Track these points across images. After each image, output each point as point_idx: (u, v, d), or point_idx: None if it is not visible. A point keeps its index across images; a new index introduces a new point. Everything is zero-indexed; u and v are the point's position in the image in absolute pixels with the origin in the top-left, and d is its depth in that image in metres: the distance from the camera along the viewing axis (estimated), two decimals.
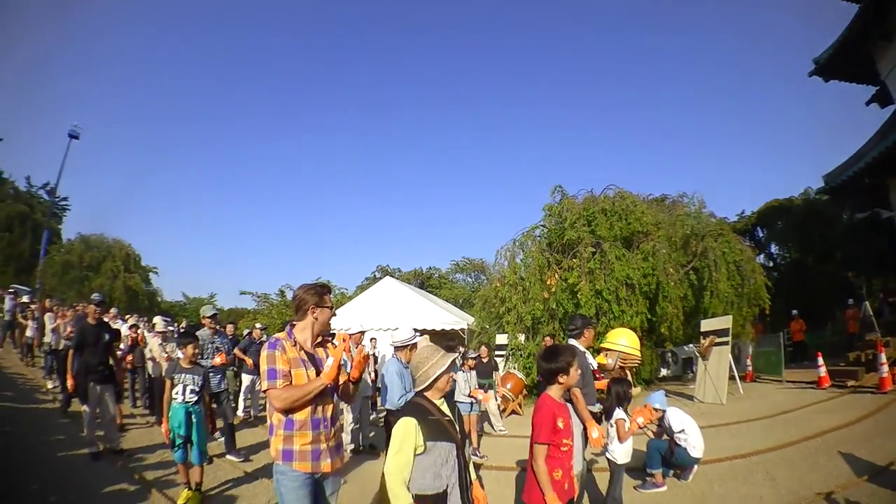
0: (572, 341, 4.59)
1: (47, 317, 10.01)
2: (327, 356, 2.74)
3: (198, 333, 6.02)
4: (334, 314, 2.89)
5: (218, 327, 6.80)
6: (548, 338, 10.24)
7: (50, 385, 9.44)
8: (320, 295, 2.80)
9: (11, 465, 5.21)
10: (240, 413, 8.83)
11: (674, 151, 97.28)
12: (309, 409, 2.60)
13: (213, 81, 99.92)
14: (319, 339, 2.85)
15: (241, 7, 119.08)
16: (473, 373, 7.45)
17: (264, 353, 2.65)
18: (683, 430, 5.31)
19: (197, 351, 4.98)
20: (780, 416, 7.88)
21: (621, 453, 4.21)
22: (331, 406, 2.75)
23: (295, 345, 2.69)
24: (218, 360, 6.09)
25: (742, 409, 8.54)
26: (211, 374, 5.72)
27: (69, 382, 5.71)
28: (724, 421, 7.74)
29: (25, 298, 15.12)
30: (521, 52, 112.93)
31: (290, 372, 2.59)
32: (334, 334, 5.91)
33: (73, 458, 5.70)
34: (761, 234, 23.78)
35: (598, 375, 4.67)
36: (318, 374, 2.64)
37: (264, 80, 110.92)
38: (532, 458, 2.81)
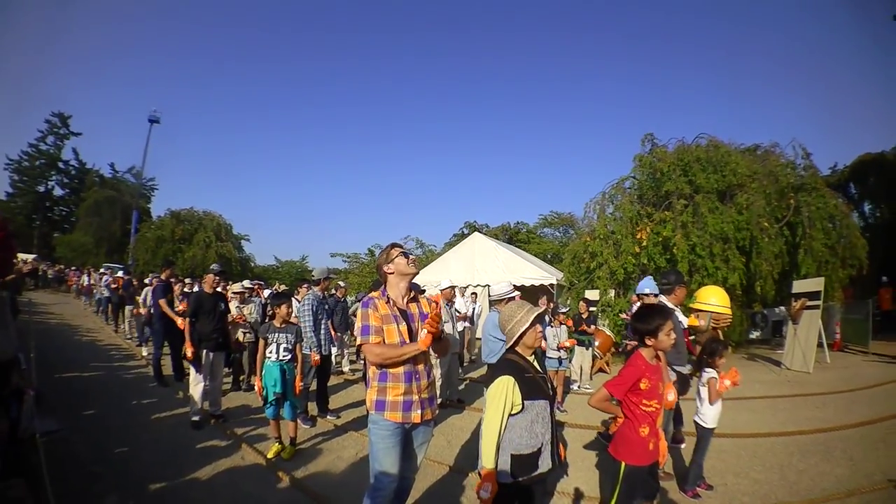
0: (662, 297, 4.40)
1: (144, 291, 10.15)
2: (420, 312, 2.93)
3: (311, 294, 6.09)
4: (411, 263, 2.96)
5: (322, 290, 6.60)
6: (635, 296, 9.83)
7: (144, 353, 9.80)
8: (386, 252, 2.97)
9: (105, 429, 5.38)
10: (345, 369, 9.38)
11: (762, 99, 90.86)
12: (403, 363, 2.74)
13: (294, 52, 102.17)
14: (412, 293, 3.00)
15: None
16: (564, 328, 7.36)
17: (359, 310, 2.86)
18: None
19: (290, 310, 5.04)
20: (865, 390, 7.61)
21: (711, 417, 4.05)
22: (423, 360, 2.86)
23: (388, 302, 2.86)
24: (315, 357, 5.91)
25: (828, 380, 8.28)
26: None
27: (189, 351, 5.69)
28: (809, 391, 7.59)
29: (120, 274, 16.13)
30: None
31: (382, 328, 2.76)
32: (424, 290, 5.98)
33: (166, 420, 5.90)
34: (854, 191, 21.81)
35: (687, 336, 4.45)
36: (409, 328, 2.80)
37: (346, 46, 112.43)
38: (596, 395, 2.84)
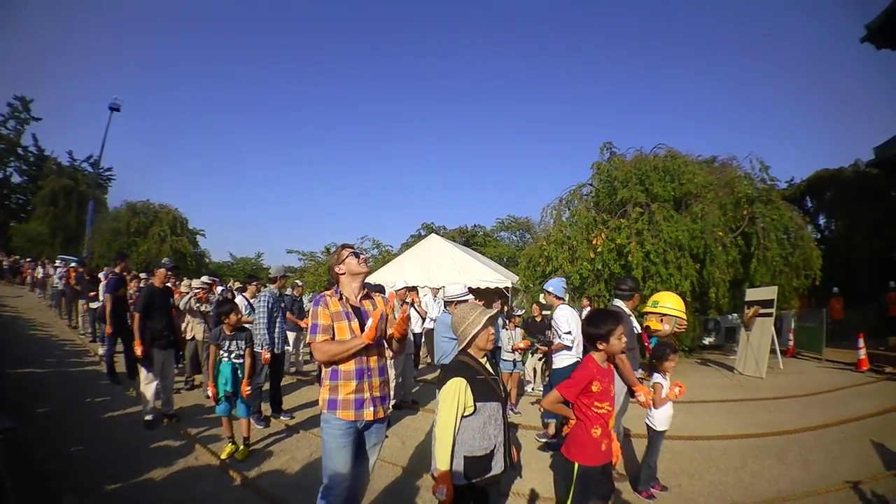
0: (619, 302, 4.50)
1: (101, 285, 9.87)
2: (374, 307, 2.94)
3: (267, 292, 6.03)
4: (362, 262, 2.99)
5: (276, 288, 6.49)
6: (585, 299, 10.10)
7: (101, 351, 9.36)
8: (337, 253, 3.00)
9: (58, 426, 5.29)
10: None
11: (721, 114, 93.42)
12: (354, 359, 2.76)
13: (254, 44, 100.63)
14: (364, 291, 3.03)
15: None
16: (518, 331, 7.46)
17: (311, 309, 2.89)
18: (571, 332, 5.06)
19: (239, 317, 4.97)
20: (818, 395, 7.85)
21: (661, 419, 4.14)
22: (375, 357, 2.87)
23: (341, 299, 2.88)
24: (266, 354, 5.82)
25: (780, 385, 8.50)
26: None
27: (138, 349, 5.48)
28: (762, 396, 7.79)
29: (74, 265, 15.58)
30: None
31: (332, 325, 2.78)
32: (381, 287, 5.94)
33: (119, 418, 5.79)
34: (810, 205, 22.72)
35: (646, 340, 4.56)
36: (361, 325, 2.80)
37: (306, 42, 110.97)
38: (549, 397, 2.89)
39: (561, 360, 5.17)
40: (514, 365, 7.10)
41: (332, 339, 2.78)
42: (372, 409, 2.79)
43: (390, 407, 3.03)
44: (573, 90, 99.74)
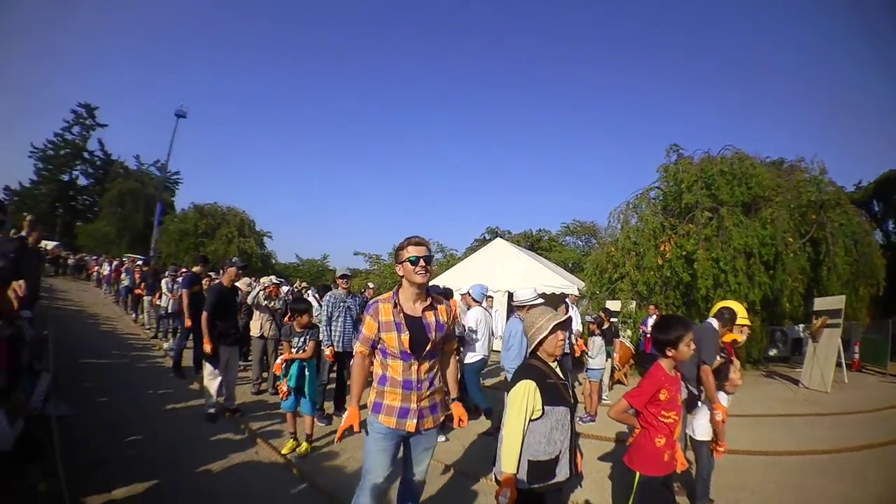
0: (713, 321, 4.37)
1: (163, 282, 10.26)
2: (437, 322, 2.71)
3: (331, 294, 6.11)
4: (421, 266, 2.60)
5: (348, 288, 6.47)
6: (651, 307, 9.89)
7: (166, 346, 9.69)
8: (401, 248, 2.67)
9: (118, 416, 5.38)
10: None
11: (787, 113, 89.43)
12: (401, 368, 2.63)
13: (323, 49, 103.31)
14: (429, 300, 2.74)
15: None
16: (599, 338, 7.28)
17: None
18: (476, 332, 5.19)
19: (310, 319, 5.05)
20: (882, 412, 7.55)
21: (700, 429, 3.93)
22: (426, 367, 2.69)
23: (395, 307, 2.65)
24: (328, 352, 5.94)
25: (845, 400, 8.20)
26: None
27: (207, 347, 5.52)
28: (826, 411, 7.53)
29: (140, 264, 16.36)
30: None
31: (377, 336, 2.64)
32: (449, 291, 5.99)
33: (180, 411, 5.89)
34: (877, 208, 21.40)
35: (731, 355, 4.48)
36: (411, 338, 2.60)
37: (375, 45, 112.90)
38: (616, 406, 2.81)
39: (468, 358, 5.91)
40: (598, 373, 6.98)
41: (374, 350, 2.71)
42: (416, 420, 2.63)
43: (442, 415, 2.83)
44: (638, 93, 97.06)
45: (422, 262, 2.60)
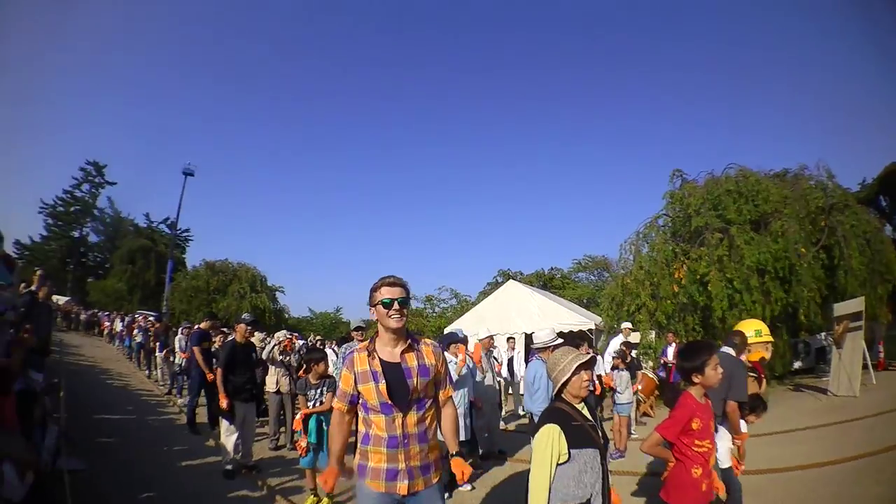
0: (727, 349, 4.31)
1: (177, 339, 10.34)
2: (420, 364, 2.41)
3: (347, 345, 6.11)
4: (395, 310, 2.36)
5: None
6: (670, 335, 9.83)
7: (180, 402, 9.60)
8: (375, 290, 2.44)
9: (132, 472, 5.37)
10: None
11: (784, 119, 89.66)
12: (385, 424, 2.32)
13: (325, 89, 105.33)
14: (407, 342, 2.45)
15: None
16: (625, 372, 7.27)
17: None
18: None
19: (326, 368, 5.03)
20: None
21: (722, 456, 3.82)
22: (414, 420, 2.36)
23: (370, 354, 2.40)
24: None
25: (875, 401, 8.02)
26: None
27: (223, 402, 5.56)
28: (857, 415, 7.37)
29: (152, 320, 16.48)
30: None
31: (354, 390, 2.39)
32: (466, 337, 5.93)
33: (196, 467, 5.85)
34: (885, 203, 21.30)
35: (762, 373, 4.46)
36: (388, 386, 2.32)
37: (378, 86, 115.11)
38: (649, 440, 2.76)
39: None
40: (627, 408, 6.96)
41: (354, 406, 2.44)
42: (407, 481, 2.30)
43: (437, 475, 2.45)
44: (638, 120, 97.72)
45: (396, 306, 2.36)
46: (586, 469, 2.28)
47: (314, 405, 4.77)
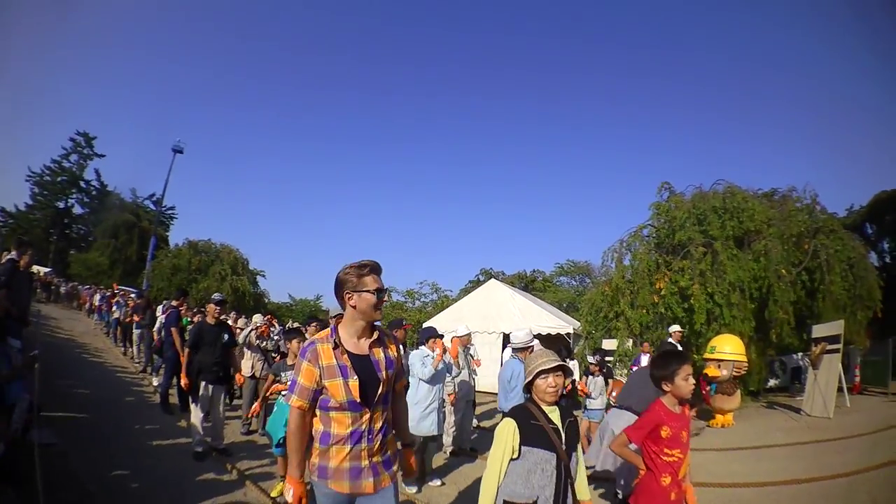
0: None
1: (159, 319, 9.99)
2: (387, 358, 2.31)
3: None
4: (383, 301, 2.29)
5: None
6: (645, 344, 9.84)
7: (155, 382, 9.36)
8: (358, 275, 2.24)
9: (104, 449, 5.35)
10: None
11: (776, 142, 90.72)
12: (349, 419, 2.18)
13: (316, 85, 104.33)
14: (375, 334, 2.33)
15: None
16: (601, 378, 7.28)
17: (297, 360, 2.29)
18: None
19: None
20: (886, 431, 7.47)
21: None
22: (379, 415, 2.26)
23: (336, 347, 2.22)
24: None
25: (849, 424, 8.08)
26: None
27: (183, 381, 5.68)
28: (830, 436, 7.40)
29: (133, 297, 16.19)
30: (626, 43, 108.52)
31: (318, 386, 2.18)
32: (442, 335, 5.89)
33: (167, 448, 5.83)
34: (871, 231, 21.60)
35: (704, 387, 4.43)
36: (361, 382, 2.18)
37: (371, 81, 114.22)
38: (616, 440, 2.81)
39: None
40: (595, 413, 6.97)
41: (314, 404, 2.21)
42: (372, 479, 2.20)
43: (395, 473, 2.36)
44: (634, 129, 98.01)
45: (384, 297, 2.29)
46: (535, 470, 2.28)
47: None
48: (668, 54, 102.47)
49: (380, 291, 2.25)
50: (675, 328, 8.64)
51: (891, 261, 20.78)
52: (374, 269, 2.28)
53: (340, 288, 2.26)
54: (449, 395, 6.48)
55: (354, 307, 2.23)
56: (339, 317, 2.35)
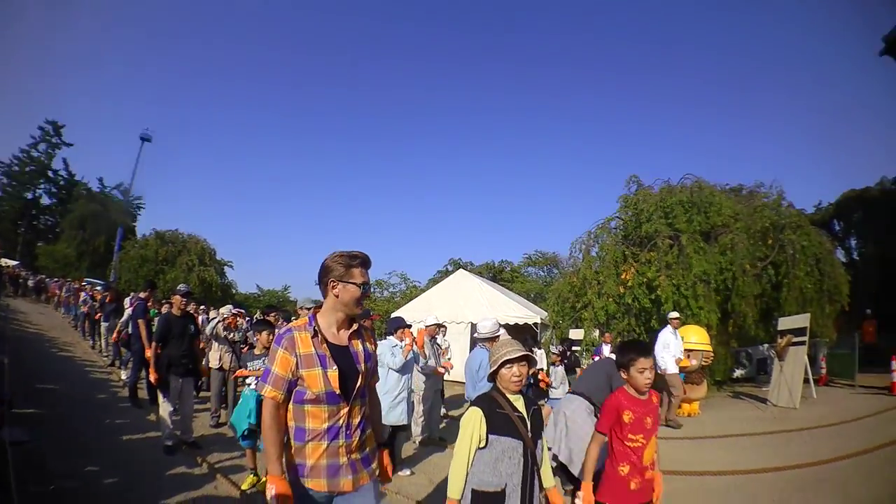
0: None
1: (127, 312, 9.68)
2: (365, 351, 2.26)
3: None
4: (367, 296, 2.26)
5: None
6: (607, 335, 10.04)
7: (123, 376, 9.15)
8: (347, 266, 2.17)
9: (75, 445, 5.28)
10: None
11: (747, 138, 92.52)
12: (326, 413, 2.08)
13: (287, 73, 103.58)
14: (354, 326, 2.28)
15: None
16: (561, 368, 7.36)
17: (272, 348, 2.19)
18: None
19: (270, 339, 4.84)
20: (852, 422, 7.59)
21: None
22: (357, 409, 2.17)
23: (315, 335, 2.13)
24: None
25: (815, 415, 8.20)
26: None
27: (152, 376, 5.60)
28: (796, 426, 7.48)
29: (99, 289, 15.84)
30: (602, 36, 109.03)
31: (294, 376, 2.07)
32: (410, 325, 5.86)
33: (137, 442, 5.78)
34: (838, 227, 22.25)
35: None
36: (341, 374, 2.10)
37: (342, 73, 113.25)
38: (594, 440, 2.76)
39: None
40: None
41: (289, 395, 2.09)
42: (351, 476, 2.10)
43: (376, 469, 2.27)
44: (601, 122, 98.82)
45: (368, 292, 2.25)
46: (503, 458, 2.29)
47: (255, 379, 4.61)
48: (639, 46, 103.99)
49: (366, 286, 2.20)
50: (674, 314, 8.71)
51: (858, 257, 21.43)
52: (364, 262, 2.24)
53: (326, 274, 2.19)
54: (440, 369, 6.73)
55: (337, 297, 2.17)
56: (318, 306, 2.29)
